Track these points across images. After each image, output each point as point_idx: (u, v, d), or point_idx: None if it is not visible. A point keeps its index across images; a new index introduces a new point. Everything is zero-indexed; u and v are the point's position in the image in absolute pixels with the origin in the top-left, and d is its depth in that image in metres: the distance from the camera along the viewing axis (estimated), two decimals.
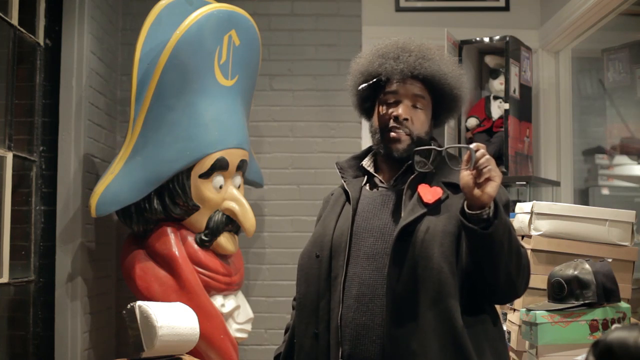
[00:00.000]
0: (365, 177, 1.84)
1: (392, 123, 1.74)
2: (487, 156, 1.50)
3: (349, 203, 1.77)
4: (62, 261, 2.99)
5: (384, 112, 1.77)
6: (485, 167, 1.49)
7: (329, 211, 1.83)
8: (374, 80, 1.77)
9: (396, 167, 1.79)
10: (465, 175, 1.51)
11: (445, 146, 1.71)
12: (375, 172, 1.83)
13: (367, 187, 1.82)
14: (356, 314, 1.64)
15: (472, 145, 1.50)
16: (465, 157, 1.52)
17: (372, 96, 1.82)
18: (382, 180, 1.80)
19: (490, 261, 1.54)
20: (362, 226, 1.72)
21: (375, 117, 1.80)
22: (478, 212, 1.51)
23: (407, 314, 1.59)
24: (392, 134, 1.74)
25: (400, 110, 1.73)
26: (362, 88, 1.80)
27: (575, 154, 3.83)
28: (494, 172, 1.49)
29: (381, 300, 1.62)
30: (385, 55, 1.77)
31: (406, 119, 1.73)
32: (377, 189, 1.79)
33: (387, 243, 1.65)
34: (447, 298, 1.57)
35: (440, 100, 1.79)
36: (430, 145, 1.75)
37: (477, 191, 1.49)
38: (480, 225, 1.50)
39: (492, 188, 1.48)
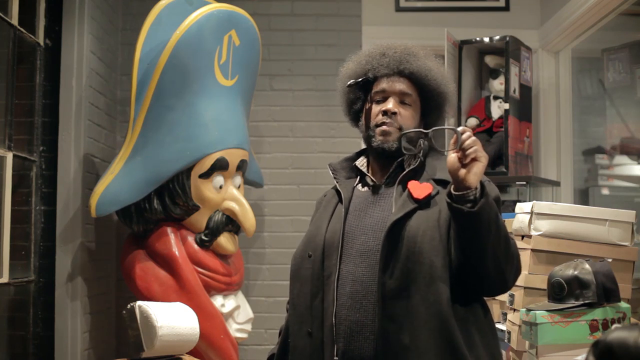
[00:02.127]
0: (358, 177, 1.86)
1: (381, 118, 1.77)
2: (473, 138, 1.52)
3: (342, 203, 1.79)
4: (62, 261, 2.99)
5: (373, 109, 1.80)
6: (471, 147, 1.50)
7: (321, 212, 1.85)
8: (362, 78, 1.81)
9: (387, 167, 1.81)
10: (452, 158, 1.53)
11: (432, 129, 1.73)
12: (367, 172, 1.85)
13: (359, 186, 1.84)
14: (350, 311, 1.65)
15: (459, 128, 1.52)
16: (452, 140, 1.54)
17: (362, 98, 1.86)
18: (374, 180, 1.82)
19: (479, 244, 1.53)
20: (354, 224, 1.74)
21: (364, 117, 1.84)
22: (464, 192, 1.51)
23: (398, 308, 1.60)
24: (382, 127, 1.76)
25: (389, 105, 1.76)
26: (351, 84, 1.84)
27: (575, 154, 3.83)
28: (480, 153, 1.50)
29: (374, 296, 1.63)
30: (371, 55, 1.84)
31: (394, 113, 1.76)
32: (369, 188, 1.81)
33: (379, 239, 1.66)
34: (438, 292, 1.58)
35: (428, 97, 1.81)
36: (419, 139, 1.77)
37: (462, 171, 1.51)
38: (467, 206, 1.50)
39: (477, 168, 1.50)
